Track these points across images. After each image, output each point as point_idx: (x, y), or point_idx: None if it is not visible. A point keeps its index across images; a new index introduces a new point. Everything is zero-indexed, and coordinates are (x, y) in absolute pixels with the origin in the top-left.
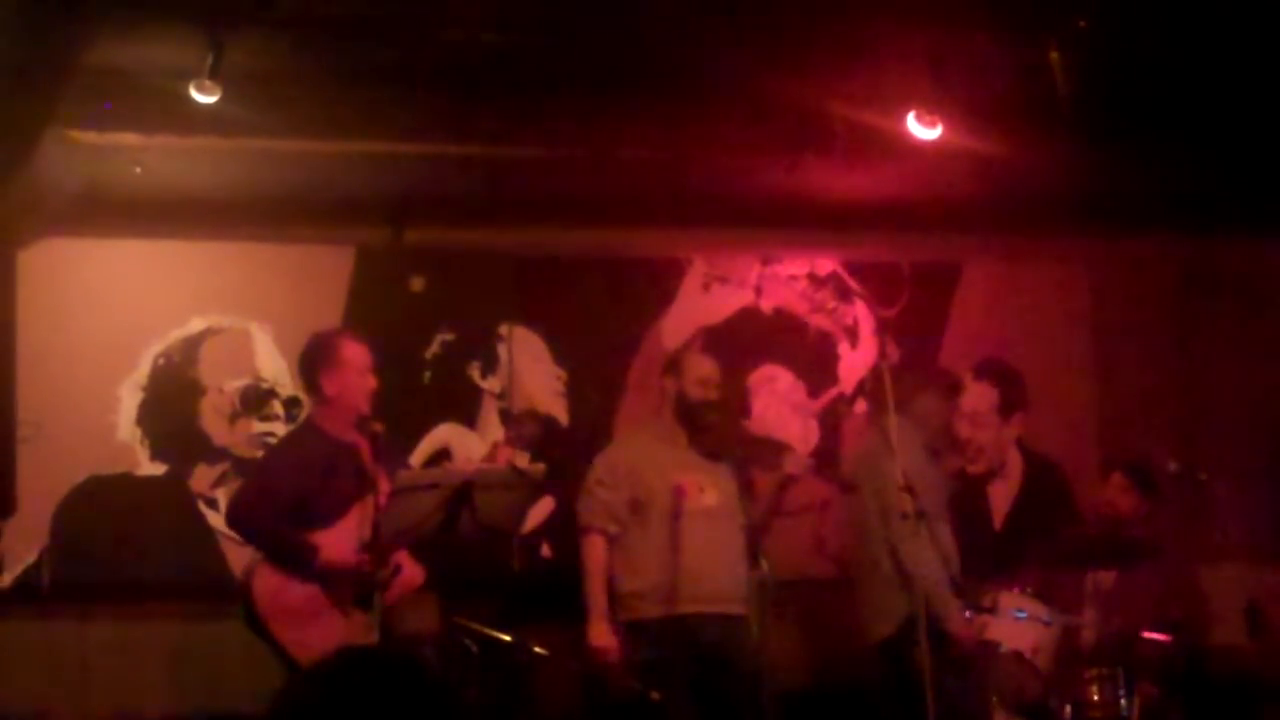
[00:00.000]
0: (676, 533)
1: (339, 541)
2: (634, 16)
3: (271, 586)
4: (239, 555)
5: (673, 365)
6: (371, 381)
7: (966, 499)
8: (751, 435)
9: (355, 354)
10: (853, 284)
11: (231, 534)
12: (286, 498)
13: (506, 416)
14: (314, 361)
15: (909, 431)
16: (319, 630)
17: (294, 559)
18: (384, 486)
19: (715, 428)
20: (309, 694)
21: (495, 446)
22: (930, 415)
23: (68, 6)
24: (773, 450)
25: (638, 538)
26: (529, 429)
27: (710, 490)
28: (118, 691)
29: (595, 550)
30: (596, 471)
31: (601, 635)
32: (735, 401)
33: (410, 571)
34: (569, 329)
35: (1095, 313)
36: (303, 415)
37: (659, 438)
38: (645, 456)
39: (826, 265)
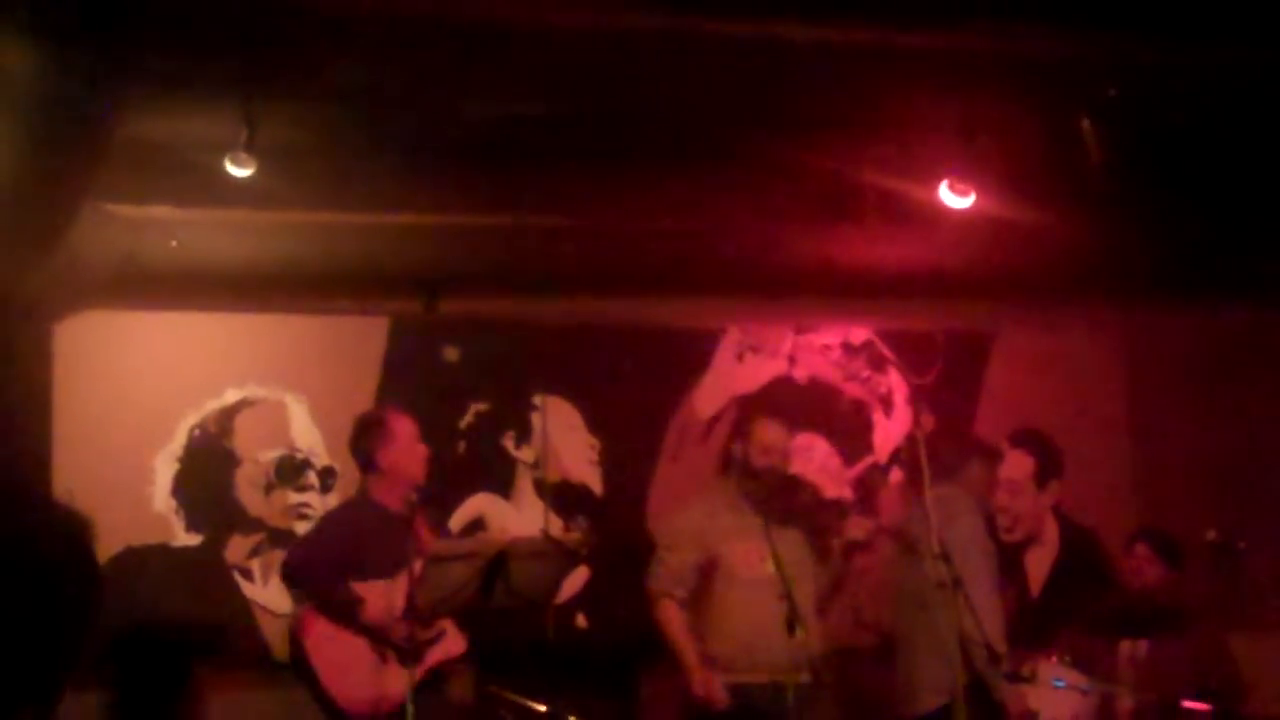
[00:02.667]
0: (733, 600)
1: (382, 600)
2: (664, 86)
3: (321, 633)
4: (273, 626)
5: (740, 429)
6: (423, 449)
7: (1004, 567)
8: (817, 498)
9: (404, 426)
10: (886, 352)
11: (282, 588)
12: (338, 556)
13: (541, 486)
14: (366, 437)
15: (961, 499)
16: (363, 681)
17: (341, 610)
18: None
19: (780, 494)
20: None
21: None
22: (977, 483)
23: (103, 79)
24: (835, 513)
25: (702, 603)
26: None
27: (770, 559)
28: None
29: (669, 614)
30: (663, 538)
31: (702, 684)
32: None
33: (452, 640)
34: (603, 398)
35: (1131, 381)
36: (337, 486)
37: (724, 504)
38: (710, 522)
39: (860, 334)
